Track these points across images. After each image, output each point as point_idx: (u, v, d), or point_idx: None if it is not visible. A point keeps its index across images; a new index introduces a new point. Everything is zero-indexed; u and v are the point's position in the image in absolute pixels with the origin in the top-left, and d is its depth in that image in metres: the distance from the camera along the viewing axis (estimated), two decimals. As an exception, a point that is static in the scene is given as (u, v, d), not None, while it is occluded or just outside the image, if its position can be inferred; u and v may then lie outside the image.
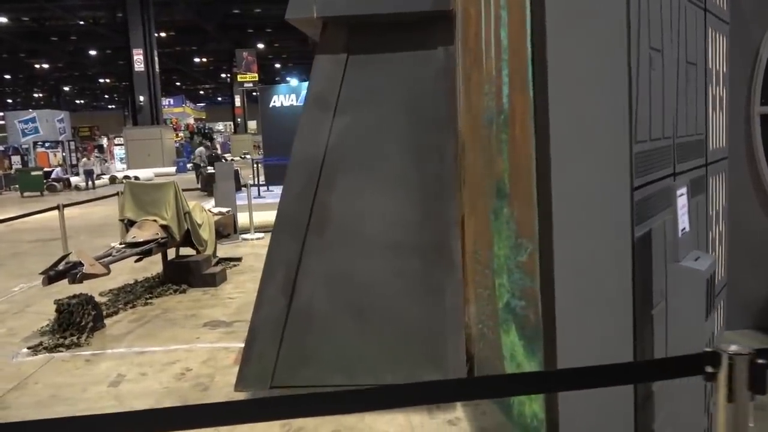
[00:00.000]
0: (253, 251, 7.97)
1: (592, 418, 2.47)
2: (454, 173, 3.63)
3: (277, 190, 9.32)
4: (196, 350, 4.36)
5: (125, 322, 5.17)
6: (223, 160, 20.34)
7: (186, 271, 6.19)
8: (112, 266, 5.12)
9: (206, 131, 46.46)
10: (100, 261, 4.99)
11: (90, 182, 20.76)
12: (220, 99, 68.30)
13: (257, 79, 29.53)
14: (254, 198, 13.85)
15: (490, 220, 3.07)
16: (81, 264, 4.85)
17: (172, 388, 3.71)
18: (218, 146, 40.24)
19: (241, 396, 3.52)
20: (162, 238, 5.89)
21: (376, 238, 3.65)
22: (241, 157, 30.91)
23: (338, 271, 3.65)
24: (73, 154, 26.71)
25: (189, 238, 6.28)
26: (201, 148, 19.69)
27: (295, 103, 19.17)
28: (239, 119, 45.84)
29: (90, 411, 3.42)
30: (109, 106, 69.72)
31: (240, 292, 5.97)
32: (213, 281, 6.19)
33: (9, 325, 5.23)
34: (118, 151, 32.33)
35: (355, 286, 3.64)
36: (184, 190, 10.19)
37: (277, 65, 50.64)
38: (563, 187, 2.42)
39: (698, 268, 2.41)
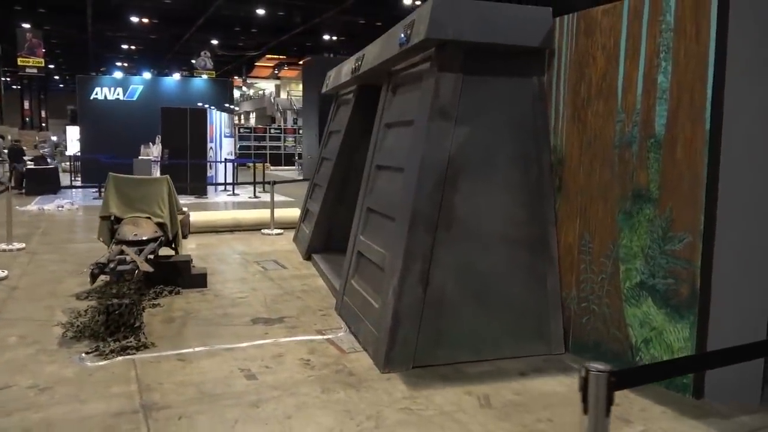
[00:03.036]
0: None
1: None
2: (550, 180, 4.44)
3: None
4: (284, 344, 4.45)
5: (155, 323, 4.89)
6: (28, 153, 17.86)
7: (174, 271, 5.91)
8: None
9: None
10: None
11: None
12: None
13: (43, 64, 26.16)
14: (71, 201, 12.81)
15: (618, 219, 3.95)
16: (125, 261, 4.55)
17: (319, 376, 3.86)
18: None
19: (399, 375, 3.87)
20: (162, 237, 5.61)
21: (492, 233, 4.29)
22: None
23: (463, 262, 4.21)
24: None
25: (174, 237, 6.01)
26: (-3, 140, 17.10)
27: (121, 97, 17.85)
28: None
29: (264, 402, 3.47)
30: None
31: (239, 291, 5.93)
32: (204, 282, 6.01)
33: (13, 333, 4.58)
34: None
35: (477, 274, 4.23)
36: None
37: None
38: (728, 197, 3.42)
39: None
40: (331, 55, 28.30)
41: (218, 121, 16.17)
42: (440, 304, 4.12)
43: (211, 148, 15.50)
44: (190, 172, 14.86)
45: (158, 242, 5.51)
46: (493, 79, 4.42)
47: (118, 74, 22.73)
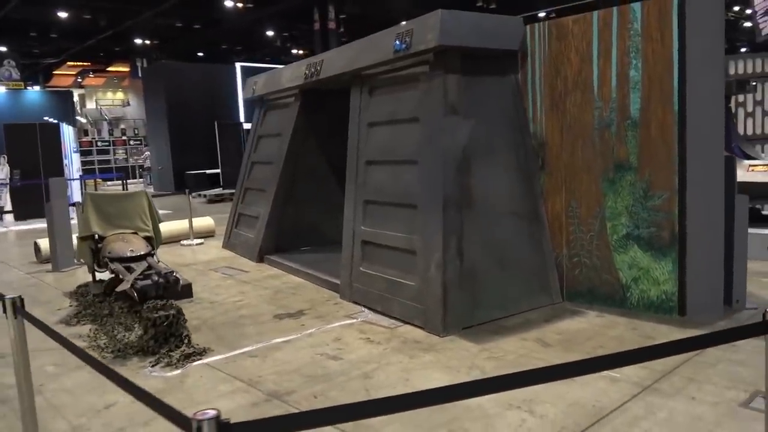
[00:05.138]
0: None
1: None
2: (534, 161, 5.32)
3: None
4: (331, 330, 4.79)
5: (183, 333, 4.90)
6: None
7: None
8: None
9: None
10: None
11: None
12: None
13: None
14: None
15: (602, 186, 4.95)
16: (162, 273, 4.56)
17: (393, 347, 4.32)
18: None
19: (458, 336, 4.46)
20: (153, 251, 5.53)
21: (501, 208, 5.07)
22: None
23: (485, 234, 4.93)
24: None
25: (151, 251, 5.89)
26: None
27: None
28: None
29: (372, 373, 3.88)
30: None
31: (230, 297, 6.01)
32: (190, 292, 5.98)
33: (43, 363, 4.34)
34: None
35: (496, 244, 4.98)
36: None
37: None
38: (693, 161, 4.55)
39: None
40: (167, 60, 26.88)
41: (68, 135, 14.95)
42: (473, 272, 4.80)
43: (66, 165, 14.32)
44: (46, 192, 13.58)
45: (153, 256, 5.44)
46: (483, 78, 5.17)
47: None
